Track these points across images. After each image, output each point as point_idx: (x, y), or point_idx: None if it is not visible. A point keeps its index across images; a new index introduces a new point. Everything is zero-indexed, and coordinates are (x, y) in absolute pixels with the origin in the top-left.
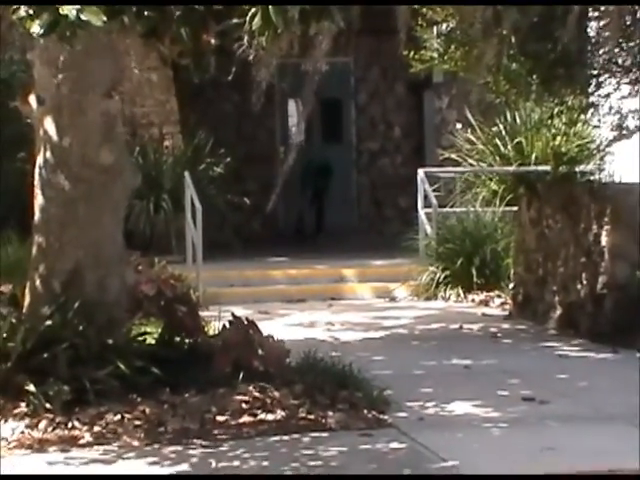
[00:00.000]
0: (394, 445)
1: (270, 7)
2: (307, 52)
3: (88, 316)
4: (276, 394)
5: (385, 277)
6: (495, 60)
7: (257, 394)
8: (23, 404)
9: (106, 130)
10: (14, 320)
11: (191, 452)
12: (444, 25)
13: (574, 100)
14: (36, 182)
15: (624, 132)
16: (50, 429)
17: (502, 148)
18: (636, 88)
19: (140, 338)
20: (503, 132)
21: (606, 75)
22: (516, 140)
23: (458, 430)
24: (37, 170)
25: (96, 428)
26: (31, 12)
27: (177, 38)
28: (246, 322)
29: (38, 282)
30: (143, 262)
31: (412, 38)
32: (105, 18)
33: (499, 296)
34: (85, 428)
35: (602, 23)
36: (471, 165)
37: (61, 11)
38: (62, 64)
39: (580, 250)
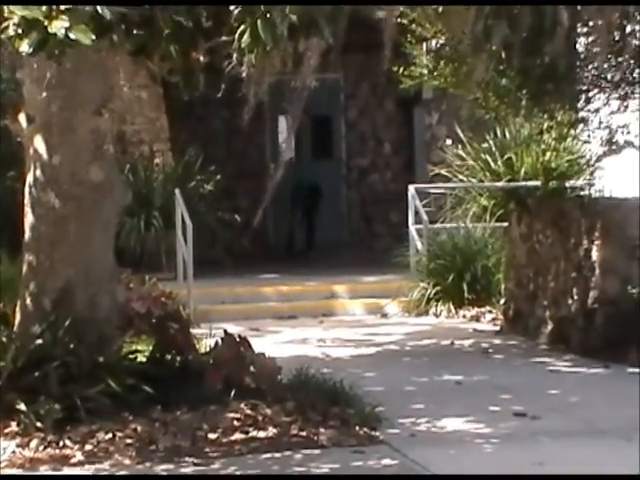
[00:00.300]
0: (386, 462)
1: (259, 24)
2: (296, 69)
3: (79, 334)
4: (268, 411)
5: (376, 293)
6: (485, 76)
7: (249, 411)
8: (14, 423)
9: (96, 148)
10: (4, 339)
11: (183, 470)
12: (433, 41)
13: (564, 115)
14: (26, 200)
15: (614, 147)
16: (41, 448)
17: (492, 164)
18: (625, 103)
19: (131, 356)
20: (493, 148)
21: (595, 90)
22: (506, 156)
23: (450, 446)
24: (27, 188)
25: (87, 447)
26: (20, 31)
27: (166, 56)
28: (238, 339)
29: (29, 300)
30: (134, 280)
31: (401, 54)
32: (94, 36)
33: (490, 312)
34: (76, 447)
35: (591, 39)
36: (461, 181)
37: (50, 30)
38: (51, 82)
39: (571, 265)
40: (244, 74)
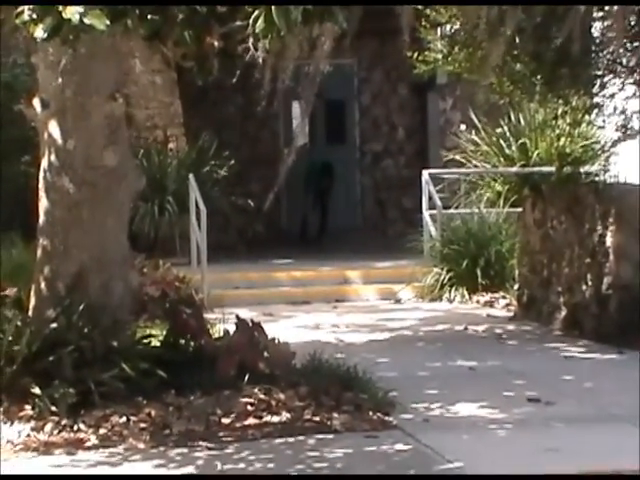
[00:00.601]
0: (399, 447)
1: (273, 9)
2: (311, 54)
3: (93, 319)
4: (281, 396)
5: (389, 278)
6: (499, 61)
7: (262, 396)
8: (29, 407)
9: (110, 133)
10: (19, 323)
11: (196, 454)
12: (448, 26)
13: (578, 101)
14: (40, 185)
15: (629, 132)
16: (56, 432)
17: (506, 149)
18: None
19: (145, 340)
20: (507, 133)
21: (610, 75)
22: (520, 141)
23: (463, 431)
24: (41, 173)
25: (101, 431)
26: (34, 16)
27: (180, 41)
28: (251, 324)
29: (43, 285)
30: (148, 264)
31: (416, 39)
32: (108, 22)
33: (504, 297)
34: (91, 431)
35: (606, 23)
36: (475, 166)
37: (64, 15)
38: (66, 67)
39: (585, 251)
40: (259, 59)
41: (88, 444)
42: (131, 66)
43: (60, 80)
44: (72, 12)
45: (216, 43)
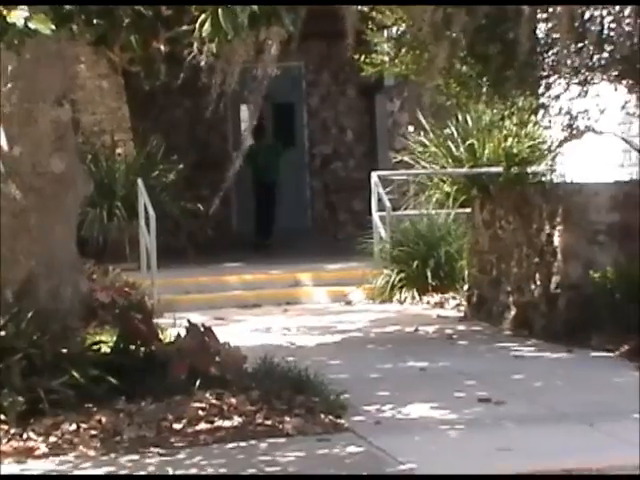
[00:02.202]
0: (351, 449)
1: (220, 13)
2: (258, 57)
3: (42, 325)
4: (233, 400)
5: (340, 281)
6: (445, 63)
7: (214, 401)
8: None
9: (57, 138)
10: None
11: (148, 461)
12: (394, 29)
13: (524, 101)
14: None
15: (574, 132)
16: (5, 441)
17: (454, 150)
18: (585, 89)
19: (95, 347)
20: (455, 134)
21: (555, 76)
22: (468, 142)
23: (415, 433)
24: None
25: (52, 439)
26: None
27: (127, 45)
28: (202, 329)
29: None
30: (97, 270)
31: (363, 42)
32: (53, 26)
33: (454, 298)
34: (41, 439)
35: (550, 25)
36: (424, 167)
37: (9, 19)
38: (11, 73)
39: (533, 250)
40: (206, 63)
41: (38, 453)
42: (77, 71)
43: (5, 86)
44: (17, 16)
45: (163, 47)
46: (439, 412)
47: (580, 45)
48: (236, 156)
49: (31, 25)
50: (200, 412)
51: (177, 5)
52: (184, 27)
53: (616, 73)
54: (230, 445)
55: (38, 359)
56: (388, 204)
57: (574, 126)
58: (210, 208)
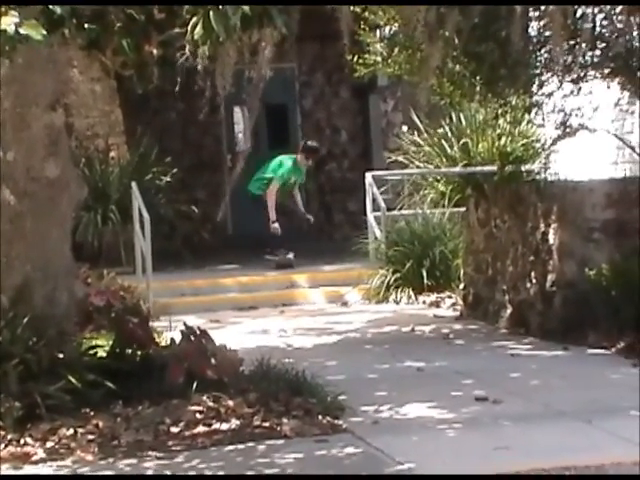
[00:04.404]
0: (350, 450)
1: (211, 15)
2: (251, 59)
3: (38, 331)
4: (230, 403)
5: (336, 282)
6: (439, 62)
7: (211, 404)
8: None
9: (51, 143)
10: None
11: (146, 465)
12: (387, 29)
13: (518, 100)
14: None
15: (568, 130)
16: (2, 446)
17: (448, 149)
18: (578, 86)
19: (91, 351)
20: (449, 133)
21: (548, 74)
22: (462, 141)
23: (413, 432)
24: None
25: (49, 444)
26: None
27: (119, 49)
28: (198, 332)
29: None
30: (92, 274)
31: (356, 42)
32: (45, 32)
33: (450, 297)
34: (38, 444)
35: (543, 22)
36: (418, 167)
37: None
38: (3, 78)
39: (528, 249)
40: (198, 66)
41: (35, 458)
42: (70, 75)
43: None
44: (7, 22)
45: (155, 51)
46: (437, 412)
47: (573, 43)
48: (231, 160)
49: (22, 31)
50: (197, 415)
51: (169, 6)
52: (176, 30)
53: (609, 70)
54: (228, 448)
55: (34, 364)
56: (383, 204)
57: (567, 124)
58: (213, 212)
